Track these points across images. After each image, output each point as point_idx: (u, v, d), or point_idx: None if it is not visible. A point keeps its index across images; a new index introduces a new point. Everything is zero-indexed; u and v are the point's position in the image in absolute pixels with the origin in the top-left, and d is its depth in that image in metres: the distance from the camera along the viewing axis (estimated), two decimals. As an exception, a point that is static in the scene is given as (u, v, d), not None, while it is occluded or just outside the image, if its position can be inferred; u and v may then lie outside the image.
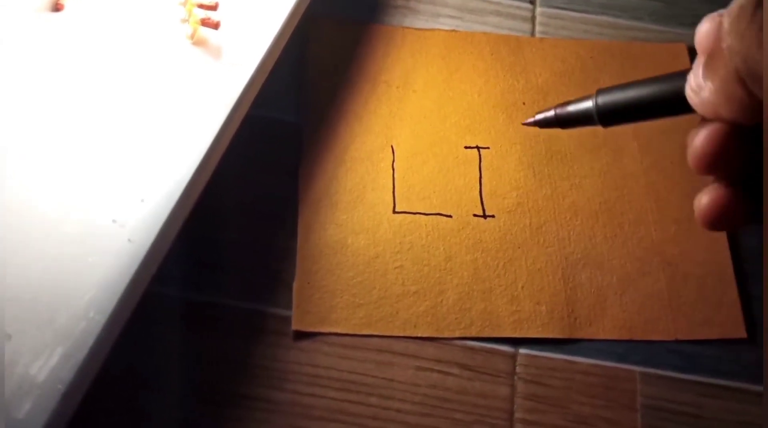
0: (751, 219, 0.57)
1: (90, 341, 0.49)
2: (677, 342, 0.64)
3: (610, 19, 0.80)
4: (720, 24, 0.50)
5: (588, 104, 0.62)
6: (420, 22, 0.78)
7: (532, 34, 0.79)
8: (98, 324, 0.49)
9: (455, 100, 0.74)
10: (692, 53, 0.77)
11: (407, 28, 0.77)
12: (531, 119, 0.65)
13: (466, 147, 0.71)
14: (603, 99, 0.61)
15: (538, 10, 0.80)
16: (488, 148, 0.71)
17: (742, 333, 0.65)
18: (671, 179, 0.71)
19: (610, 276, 0.66)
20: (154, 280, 0.54)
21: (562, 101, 0.65)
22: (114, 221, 0.53)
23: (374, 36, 0.76)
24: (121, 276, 0.51)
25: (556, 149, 0.72)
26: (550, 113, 0.63)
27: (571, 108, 0.62)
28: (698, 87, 0.51)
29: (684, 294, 0.66)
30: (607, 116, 0.61)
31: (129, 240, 0.53)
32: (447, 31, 0.77)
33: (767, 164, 0.42)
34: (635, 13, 0.81)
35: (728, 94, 0.48)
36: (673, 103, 0.56)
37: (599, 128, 0.71)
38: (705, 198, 0.55)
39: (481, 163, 0.70)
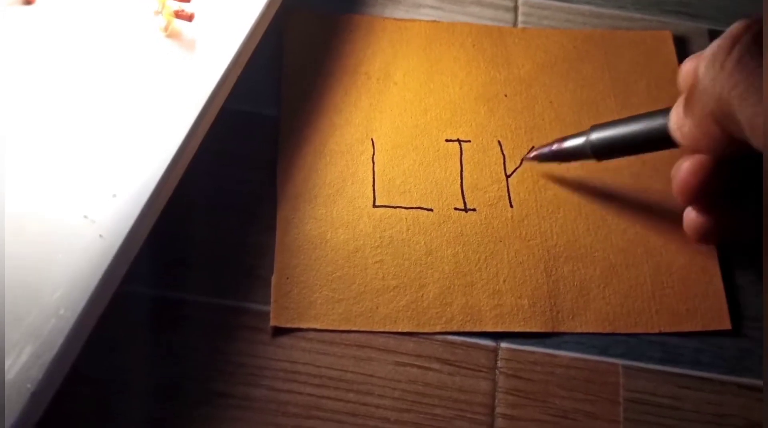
0: (724, 238, 0.66)
1: (60, 339, 0.48)
2: (660, 334, 0.63)
3: (593, 8, 0.80)
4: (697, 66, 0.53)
5: (582, 140, 0.63)
6: (400, 13, 0.77)
7: (515, 24, 0.78)
8: (68, 322, 0.49)
9: (436, 93, 0.73)
10: (677, 41, 0.77)
11: (387, 18, 0.77)
12: (530, 155, 0.66)
13: (447, 140, 0.71)
14: (596, 136, 0.62)
15: (521, -1, 0.80)
16: (469, 141, 0.71)
17: (726, 325, 0.64)
18: (654, 169, 0.70)
19: (593, 269, 0.65)
20: (126, 277, 0.54)
21: (555, 141, 0.67)
22: (85, 216, 0.53)
23: (353, 26, 0.75)
24: (92, 273, 0.51)
25: (539, 142, 0.71)
26: (547, 149, 0.64)
27: (567, 144, 0.64)
28: (680, 123, 0.54)
29: (668, 286, 0.65)
30: (600, 151, 0.62)
31: (100, 236, 0.52)
32: (429, 22, 0.77)
33: (767, 172, 0.44)
34: (618, 2, 0.80)
35: (705, 131, 0.51)
36: (660, 139, 0.58)
37: (583, 119, 0.71)
38: (686, 220, 0.63)
39: (462, 156, 0.70)
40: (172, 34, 0.61)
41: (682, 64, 0.58)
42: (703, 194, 0.59)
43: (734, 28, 0.49)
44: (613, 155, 0.64)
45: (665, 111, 0.58)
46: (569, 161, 0.67)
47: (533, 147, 0.69)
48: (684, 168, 0.59)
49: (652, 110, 0.61)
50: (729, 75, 0.47)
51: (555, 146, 0.66)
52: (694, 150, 0.56)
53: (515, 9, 0.79)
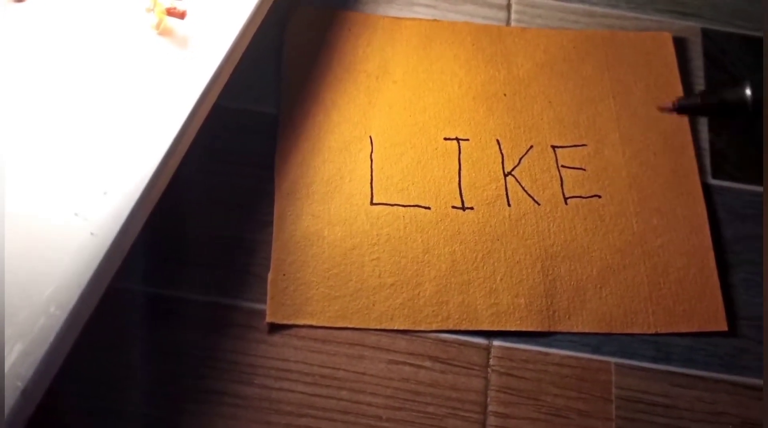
0: None
1: (50, 337, 0.48)
2: (656, 334, 0.63)
3: (586, 7, 0.80)
4: None
5: (740, 91, 0.61)
6: (394, 11, 0.77)
7: (508, 22, 0.78)
8: (59, 320, 0.49)
9: (435, 91, 0.73)
10: (677, 42, 0.76)
11: (387, 16, 0.76)
12: (670, 104, 0.64)
13: (445, 139, 0.71)
14: (755, 89, 0.60)
15: (514, -2, 0.80)
16: (468, 140, 0.71)
17: (722, 326, 0.64)
18: (653, 170, 0.70)
19: (590, 269, 0.65)
20: (118, 275, 0.54)
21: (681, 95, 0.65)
22: (76, 214, 0.53)
23: (352, 23, 0.76)
24: (83, 271, 0.51)
25: (537, 141, 0.71)
26: (696, 99, 0.62)
27: (727, 95, 0.61)
28: None
29: (665, 286, 0.65)
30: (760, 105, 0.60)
31: (91, 234, 0.52)
32: (428, 20, 0.77)
33: (767, 162, 0.42)
34: (611, 1, 0.80)
35: None
36: None
37: (582, 119, 0.71)
38: None
39: (461, 155, 0.70)
40: (164, 32, 0.61)
41: None
42: None
43: None
44: None
45: None
46: (719, 114, 0.65)
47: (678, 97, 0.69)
48: None
49: None
50: None
51: (708, 96, 0.65)
52: None
53: (508, 7, 0.79)
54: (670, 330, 0.64)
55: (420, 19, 0.77)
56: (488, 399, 0.60)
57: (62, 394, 0.52)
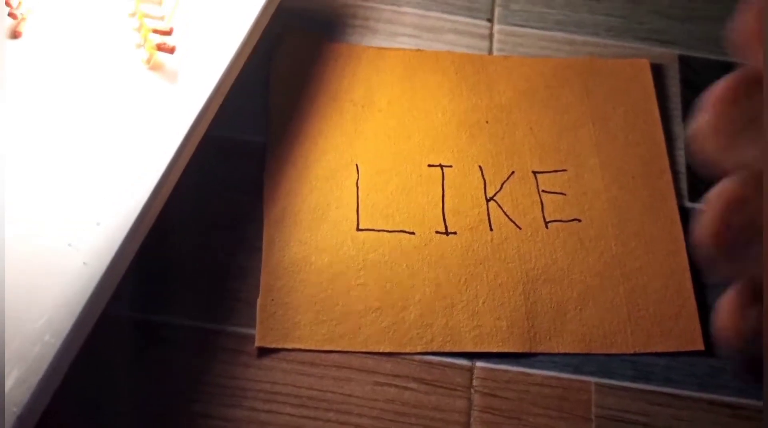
0: None
1: (45, 364, 0.49)
2: (634, 354, 0.64)
3: (567, 36, 0.81)
4: None
5: None
6: (378, 41, 0.79)
7: (490, 52, 0.79)
8: (53, 348, 0.50)
9: (419, 119, 0.74)
10: (655, 69, 0.78)
11: (371, 47, 0.78)
12: None
13: (429, 165, 0.72)
14: None
15: (496, 27, 0.81)
16: (451, 166, 0.72)
17: (699, 345, 0.65)
18: (632, 194, 0.71)
19: (570, 291, 0.67)
20: (110, 302, 0.55)
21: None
22: (69, 244, 0.54)
23: (338, 54, 0.77)
24: (77, 300, 0.52)
25: (519, 167, 0.72)
26: None
27: None
28: None
29: (643, 308, 0.66)
30: None
31: (84, 263, 0.53)
32: (413, 50, 0.78)
33: (767, 176, 0.37)
34: (592, 29, 0.82)
35: None
36: None
37: (562, 145, 0.72)
38: None
39: (444, 181, 0.71)
40: (154, 67, 0.63)
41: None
42: None
43: None
44: None
45: None
46: None
47: None
48: None
49: None
50: None
51: None
52: None
53: (491, 37, 0.81)
54: (648, 350, 0.65)
55: (404, 49, 0.78)
56: (471, 419, 0.61)
57: (52, 415, 0.52)
